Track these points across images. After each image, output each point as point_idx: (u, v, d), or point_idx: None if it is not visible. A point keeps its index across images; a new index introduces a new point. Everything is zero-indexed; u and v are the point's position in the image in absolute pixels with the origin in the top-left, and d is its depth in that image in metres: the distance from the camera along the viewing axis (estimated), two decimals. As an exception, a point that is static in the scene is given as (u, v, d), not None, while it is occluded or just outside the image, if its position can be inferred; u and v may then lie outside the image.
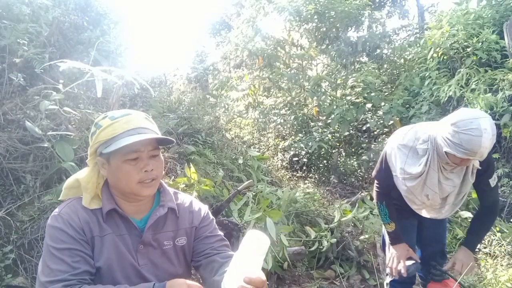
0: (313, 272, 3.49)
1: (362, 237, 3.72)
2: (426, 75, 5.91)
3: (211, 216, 1.44)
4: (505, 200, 4.33)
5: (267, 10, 7.86)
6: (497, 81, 4.72)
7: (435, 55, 5.84)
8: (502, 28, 5.12)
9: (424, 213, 2.08)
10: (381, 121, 6.17)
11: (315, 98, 7.08)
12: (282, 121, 7.30)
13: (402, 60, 7.37)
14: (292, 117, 7.26)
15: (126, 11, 6.21)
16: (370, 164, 6.12)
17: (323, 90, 7.07)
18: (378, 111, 6.45)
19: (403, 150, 1.92)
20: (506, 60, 4.95)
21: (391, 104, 5.98)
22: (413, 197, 1.98)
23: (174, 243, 1.32)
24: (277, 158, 6.89)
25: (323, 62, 8.32)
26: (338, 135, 6.70)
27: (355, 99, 6.65)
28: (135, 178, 1.20)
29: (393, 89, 6.87)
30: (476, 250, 3.54)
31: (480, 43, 5.26)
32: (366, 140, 6.83)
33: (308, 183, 5.98)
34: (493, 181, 1.93)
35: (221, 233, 1.42)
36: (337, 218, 3.77)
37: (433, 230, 2.21)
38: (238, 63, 8.08)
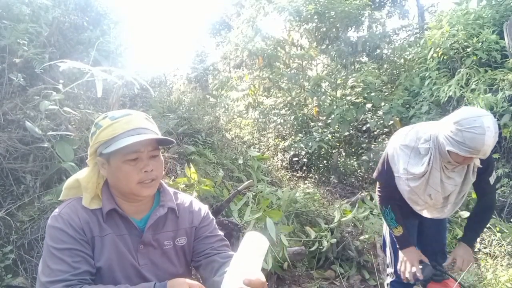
0: (313, 272, 3.49)
1: (362, 237, 3.72)
2: (426, 75, 5.91)
3: (211, 216, 1.44)
4: (505, 200, 4.34)
5: (267, 10, 7.86)
6: (497, 81, 4.72)
7: (435, 55, 5.84)
8: (502, 28, 5.12)
9: (426, 214, 2.07)
10: (381, 121, 6.17)
11: (315, 98, 7.08)
12: (282, 121, 7.30)
13: (402, 60, 7.37)
14: (292, 117, 7.26)
15: (126, 11, 6.21)
16: (370, 164, 6.12)
17: (323, 90, 7.07)
18: (378, 111, 6.45)
19: (405, 150, 1.91)
20: (506, 60, 4.95)
21: (391, 104, 5.98)
22: (416, 197, 1.96)
23: (174, 243, 1.32)
24: (277, 158, 6.90)
25: (323, 62, 8.32)
26: (338, 135, 6.70)
27: (355, 99, 6.65)
28: (135, 178, 1.20)
29: (393, 89, 6.87)
30: (476, 250, 3.55)
31: (480, 43, 5.26)
32: (366, 140, 6.83)
33: (308, 183, 5.98)
34: (492, 179, 1.94)
35: (221, 233, 1.42)
36: (337, 218, 3.77)
37: (433, 230, 2.21)
38: (238, 63, 8.08)
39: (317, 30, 7.69)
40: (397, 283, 2.21)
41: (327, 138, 6.40)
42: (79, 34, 3.85)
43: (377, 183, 2.14)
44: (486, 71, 5.05)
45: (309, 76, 7.38)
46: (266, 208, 3.51)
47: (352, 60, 7.35)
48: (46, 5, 3.49)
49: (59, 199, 1.44)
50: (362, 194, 4.96)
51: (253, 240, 1.09)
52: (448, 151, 1.72)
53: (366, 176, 6.34)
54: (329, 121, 6.56)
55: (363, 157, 6.36)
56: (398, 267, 2.08)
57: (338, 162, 6.60)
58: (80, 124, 2.90)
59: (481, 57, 5.21)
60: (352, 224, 3.89)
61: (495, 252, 3.42)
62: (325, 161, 6.84)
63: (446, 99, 5.20)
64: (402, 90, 6.31)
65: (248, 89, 7.63)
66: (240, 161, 4.71)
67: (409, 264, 1.99)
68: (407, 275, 1.99)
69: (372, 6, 8.41)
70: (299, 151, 6.71)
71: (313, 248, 3.54)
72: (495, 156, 4.59)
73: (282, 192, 4.06)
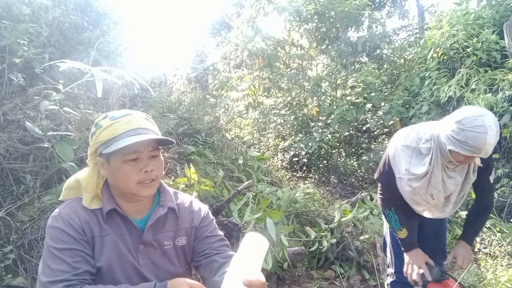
0: (313, 273, 3.49)
1: (362, 237, 3.72)
2: (426, 75, 5.91)
3: (211, 216, 1.44)
4: (505, 200, 4.33)
5: (267, 10, 7.86)
6: (497, 81, 4.72)
7: (435, 55, 5.84)
8: (502, 28, 5.12)
9: (427, 214, 2.06)
10: (381, 121, 6.17)
11: (315, 98, 7.08)
12: (282, 121, 7.30)
13: (402, 60, 7.37)
14: (292, 117, 7.26)
15: (126, 11, 6.20)
16: (370, 164, 6.13)
17: (323, 90, 7.07)
18: (378, 111, 6.45)
19: (407, 151, 1.91)
20: (506, 60, 4.95)
21: (391, 104, 5.98)
22: (418, 198, 1.96)
23: (174, 243, 1.32)
24: (277, 158, 6.89)
25: (323, 62, 8.32)
26: (338, 135, 6.69)
27: (355, 99, 6.65)
28: (134, 178, 1.20)
29: (393, 89, 6.87)
30: (476, 250, 3.55)
31: (480, 43, 5.26)
32: (366, 141, 6.83)
33: (308, 183, 5.97)
34: (491, 178, 1.95)
35: (221, 233, 1.42)
36: (337, 218, 3.77)
37: (433, 230, 2.21)
38: (238, 63, 8.08)
39: (317, 30, 7.69)
40: (397, 283, 2.20)
41: (327, 138, 6.40)
42: (79, 34, 3.86)
43: (379, 185, 2.13)
44: (486, 71, 5.05)
45: (309, 76, 7.38)
46: (266, 208, 3.51)
47: (352, 60, 7.35)
48: (46, 5, 3.49)
49: (59, 199, 1.44)
50: (362, 194, 4.96)
51: (253, 241, 1.09)
52: (449, 150, 1.72)
53: (366, 176, 6.34)
54: (329, 121, 6.56)
55: (363, 157, 6.36)
56: (404, 269, 2.05)
57: (338, 162, 6.60)
58: (80, 124, 2.90)
59: (481, 57, 5.21)
60: (352, 224, 3.89)
61: (495, 252, 3.42)
62: (325, 161, 6.84)
63: (446, 99, 5.20)
64: (402, 90, 6.31)
65: (248, 89, 7.63)
66: (240, 161, 4.71)
67: (416, 266, 1.97)
68: (414, 277, 1.96)
69: (372, 6, 8.41)
70: (299, 151, 6.71)
71: (313, 248, 3.54)
72: (495, 156, 4.59)
73: (282, 192, 4.06)
